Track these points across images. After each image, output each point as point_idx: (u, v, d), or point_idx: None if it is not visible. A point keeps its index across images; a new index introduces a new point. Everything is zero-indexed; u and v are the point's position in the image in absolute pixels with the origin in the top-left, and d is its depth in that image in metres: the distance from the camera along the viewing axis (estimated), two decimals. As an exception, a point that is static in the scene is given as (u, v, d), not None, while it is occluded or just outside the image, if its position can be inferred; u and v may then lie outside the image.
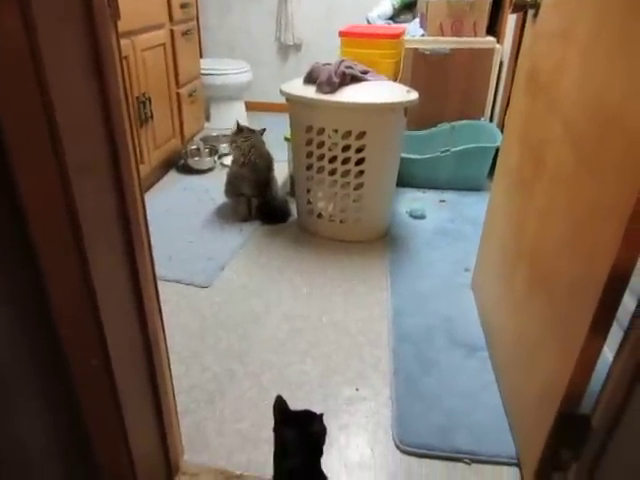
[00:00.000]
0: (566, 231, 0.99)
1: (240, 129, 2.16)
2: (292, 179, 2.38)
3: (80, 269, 0.66)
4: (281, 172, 2.48)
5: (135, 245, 0.79)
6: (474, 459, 1.15)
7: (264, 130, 2.20)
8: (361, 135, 1.86)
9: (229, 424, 1.23)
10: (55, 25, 0.57)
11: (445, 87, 2.67)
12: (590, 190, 0.90)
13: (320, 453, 0.92)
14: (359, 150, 1.90)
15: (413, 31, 2.75)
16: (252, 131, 2.16)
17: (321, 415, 0.91)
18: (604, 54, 0.90)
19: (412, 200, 2.45)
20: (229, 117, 3.39)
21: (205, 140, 3.01)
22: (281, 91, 1.96)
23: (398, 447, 1.18)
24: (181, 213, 2.29)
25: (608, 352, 0.97)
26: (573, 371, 0.90)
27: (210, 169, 2.80)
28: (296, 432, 0.89)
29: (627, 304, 0.86)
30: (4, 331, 0.62)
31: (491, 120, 2.79)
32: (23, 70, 0.54)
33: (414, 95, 1.90)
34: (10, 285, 0.62)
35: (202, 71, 3.03)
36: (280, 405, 0.92)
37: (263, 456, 1.13)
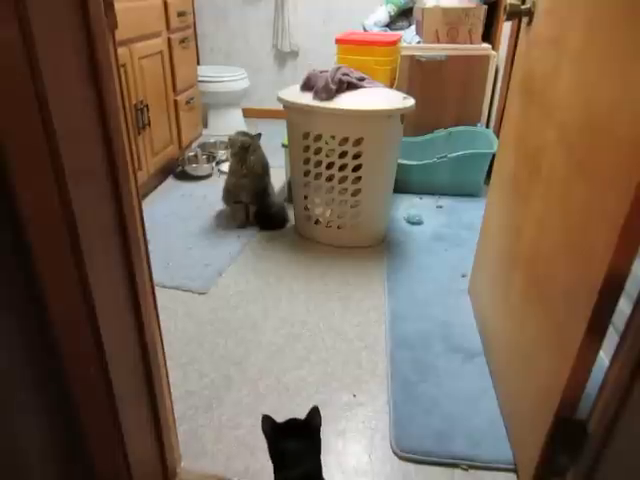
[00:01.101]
0: (561, 236, 1.00)
1: (245, 147, 2.10)
2: (289, 185, 2.39)
3: (78, 276, 0.66)
4: (278, 178, 2.49)
5: (132, 252, 0.79)
6: (471, 465, 1.15)
7: (260, 135, 2.19)
8: (358, 142, 1.87)
9: (226, 431, 1.23)
10: (52, 35, 0.58)
11: (441, 93, 2.69)
12: (584, 196, 0.91)
13: (320, 446, 0.92)
14: (356, 156, 1.91)
15: (409, 38, 2.77)
16: (252, 137, 2.15)
17: (315, 408, 0.91)
18: (596, 61, 0.91)
19: (409, 206, 2.46)
20: (227, 124, 3.40)
21: (203, 147, 3.02)
22: (278, 98, 1.98)
23: (395, 453, 1.18)
24: (179, 220, 2.29)
25: (604, 357, 0.98)
26: (569, 376, 0.90)
27: (208, 175, 2.81)
28: (294, 441, 0.89)
29: (623, 308, 0.87)
30: (1, 338, 0.62)
31: (487, 126, 2.81)
32: (21, 79, 0.54)
33: (410, 102, 1.92)
34: (8, 292, 0.62)
35: (199, 78, 3.05)
36: (268, 422, 0.91)
37: (260, 462, 1.13)
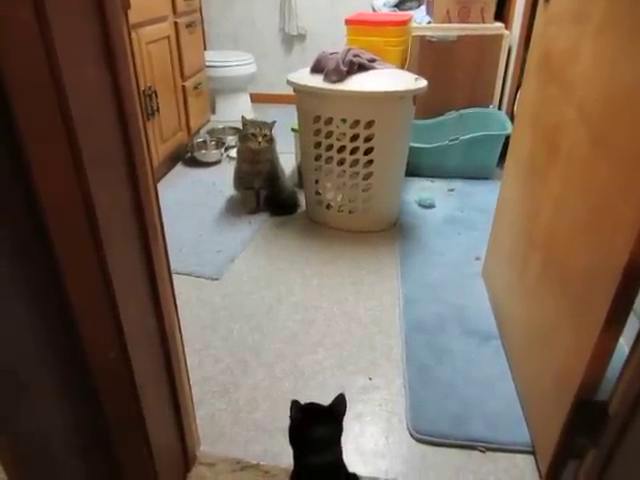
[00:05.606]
0: (581, 218, 0.98)
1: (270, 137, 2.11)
2: (299, 170, 2.37)
3: (97, 262, 0.66)
4: (288, 164, 2.47)
5: (150, 236, 0.79)
6: (488, 447, 1.15)
7: (274, 123, 2.14)
8: (369, 124, 1.85)
9: (244, 414, 1.23)
10: (67, 16, 0.56)
11: (453, 74, 2.64)
12: (606, 175, 0.89)
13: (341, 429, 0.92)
14: (368, 139, 1.88)
15: (420, 18, 2.72)
16: (266, 124, 2.13)
17: (342, 395, 0.92)
18: (619, 34, 0.88)
19: (421, 189, 2.43)
20: (235, 109, 3.38)
21: (211, 133, 3.00)
22: (288, 81, 1.95)
23: (412, 435, 1.18)
24: (190, 206, 2.29)
25: (624, 344, 0.97)
26: (589, 361, 0.89)
27: (217, 162, 2.80)
28: (318, 427, 0.88)
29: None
30: (23, 326, 0.63)
31: (500, 107, 2.76)
32: (36, 63, 0.53)
33: (422, 83, 1.88)
34: (28, 279, 0.62)
35: (207, 63, 3.02)
36: (297, 408, 0.90)
37: (278, 445, 1.14)
